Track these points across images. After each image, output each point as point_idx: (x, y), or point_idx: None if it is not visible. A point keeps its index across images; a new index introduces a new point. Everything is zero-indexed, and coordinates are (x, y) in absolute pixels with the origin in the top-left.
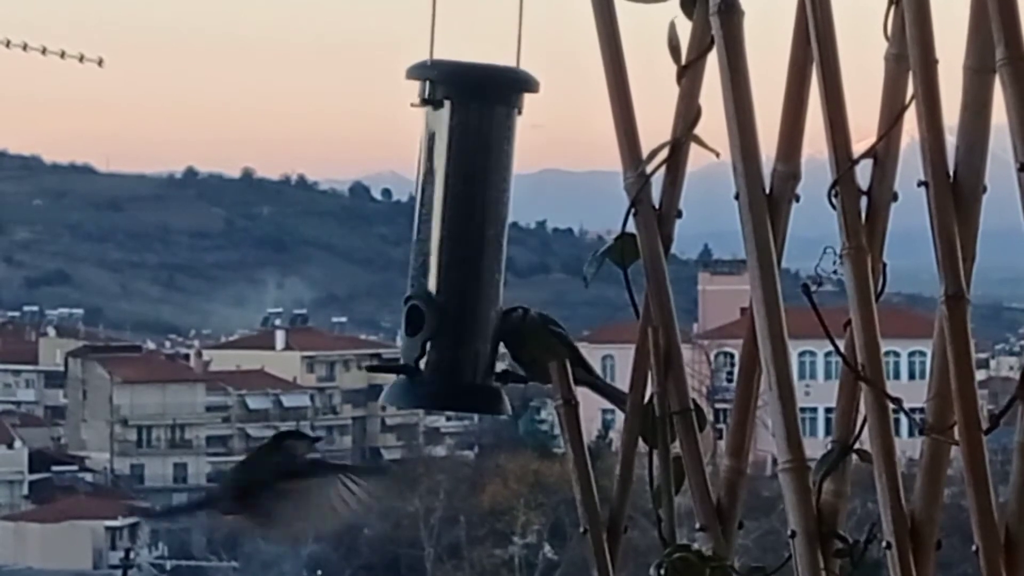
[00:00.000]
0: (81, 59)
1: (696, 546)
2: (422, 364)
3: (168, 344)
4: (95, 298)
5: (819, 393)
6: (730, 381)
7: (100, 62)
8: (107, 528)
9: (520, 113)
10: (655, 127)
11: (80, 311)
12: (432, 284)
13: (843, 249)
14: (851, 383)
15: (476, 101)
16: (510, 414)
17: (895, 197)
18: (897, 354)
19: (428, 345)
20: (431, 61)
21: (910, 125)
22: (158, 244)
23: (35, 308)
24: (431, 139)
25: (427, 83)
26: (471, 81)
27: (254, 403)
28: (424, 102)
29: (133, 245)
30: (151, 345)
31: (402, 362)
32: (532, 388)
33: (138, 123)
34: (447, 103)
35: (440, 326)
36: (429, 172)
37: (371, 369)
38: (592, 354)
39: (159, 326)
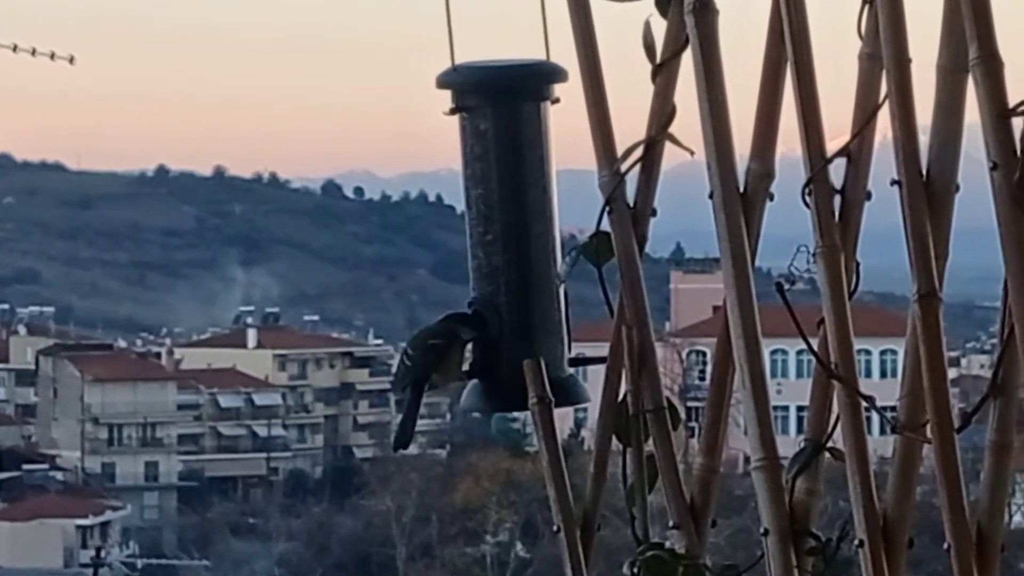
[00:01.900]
0: (52, 56)
1: (669, 544)
2: (492, 366)
3: (139, 342)
4: (66, 296)
5: (791, 391)
6: (702, 379)
7: (71, 60)
8: (78, 527)
9: (555, 102)
10: (629, 125)
11: (51, 309)
12: (490, 287)
13: (816, 247)
14: (823, 381)
15: (506, 101)
16: (590, 400)
17: (868, 196)
18: (869, 352)
19: (496, 348)
20: (455, 67)
21: (883, 124)
22: (129, 242)
23: (6, 306)
24: (468, 144)
25: (456, 90)
26: (499, 82)
27: (225, 401)
28: (455, 110)
29: (104, 243)
30: (122, 343)
31: (471, 368)
32: None
33: (109, 121)
34: (478, 108)
35: (503, 327)
36: (470, 177)
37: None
38: None
39: (130, 324)
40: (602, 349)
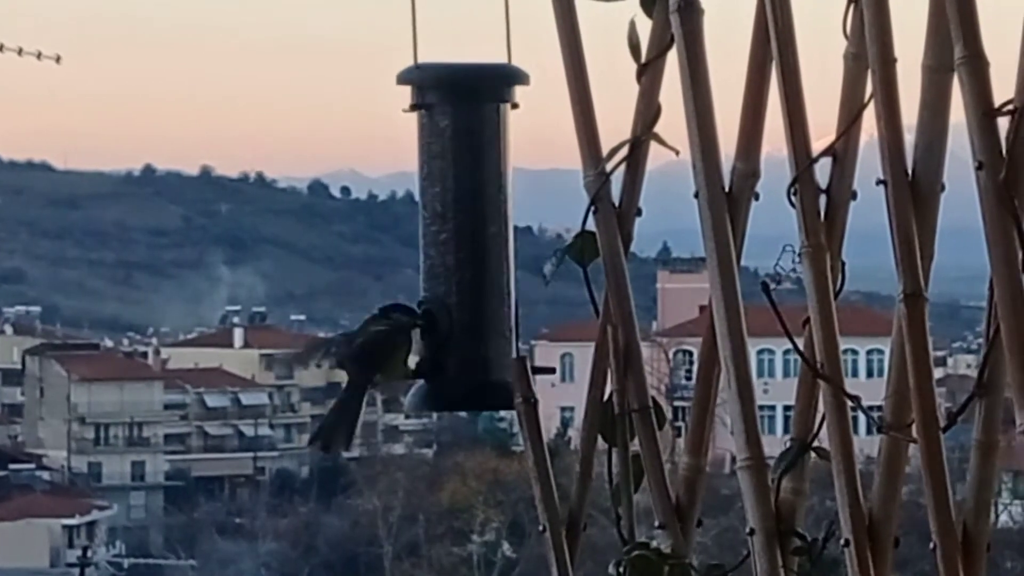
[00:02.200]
0: (39, 56)
1: (655, 544)
2: (438, 366)
3: (126, 342)
4: (52, 296)
5: (777, 391)
6: (688, 379)
7: (58, 59)
8: (64, 526)
9: (515, 107)
10: (615, 125)
11: (37, 309)
12: (442, 287)
13: (802, 247)
14: (809, 381)
15: (467, 101)
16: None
17: (854, 195)
18: (855, 352)
19: (443, 347)
20: (418, 65)
21: (869, 123)
22: (116, 242)
23: None
24: (426, 142)
25: (417, 88)
26: (460, 82)
27: (212, 401)
28: (415, 107)
29: (91, 243)
30: (109, 343)
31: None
32: None
33: (96, 121)
34: (438, 106)
35: (453, 327)
36: (427, 176)
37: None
38: (551, 352)
39: (117, 324)
40: (588, 349)
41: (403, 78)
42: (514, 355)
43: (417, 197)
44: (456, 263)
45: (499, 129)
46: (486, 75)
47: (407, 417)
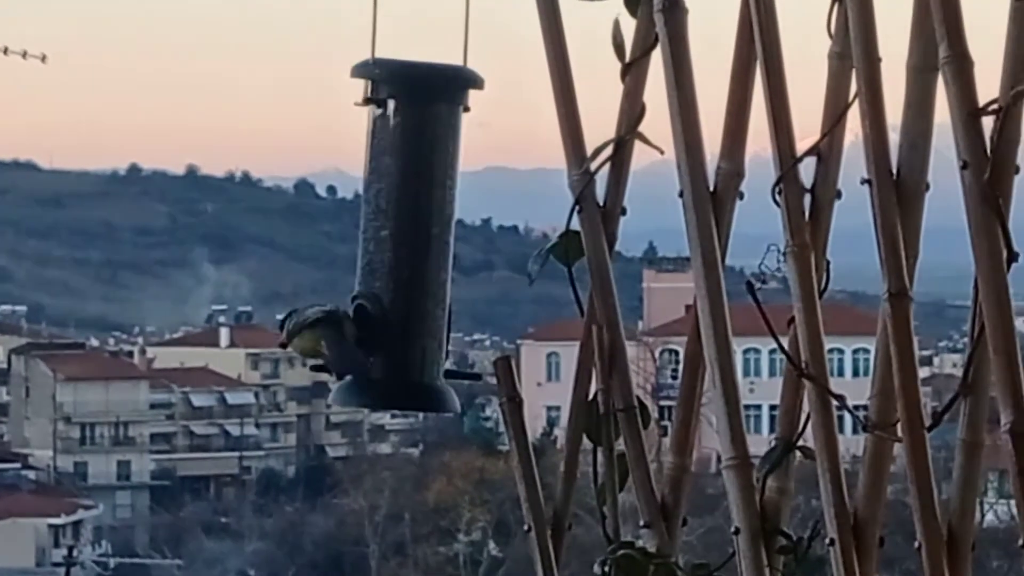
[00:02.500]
0: (24, 55)
1: (640, 543)
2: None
3: (112, 341)
4: (38, 295)
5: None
6: (675, 378)
7: (43, 58)
8: (50, 526)
9: (467, 110)
10: (599, 125)
11: (23, 308)
12: (377, 283)
13: (787, 246)
14: (795, 380)
15: (419, 99)
16: (458, 411)
17: (839, 195)
18: (841, 351)
19: (373, 344)
20: (374, 60)
21: (853, 123)
22: (101, 241)
23: None
24: (375, 138)
25: (371, 82)
26: (414, 80)
27: (198, 400)
28: (368, 101)
29: (76, 242)
30: (94, 342)
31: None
32: (478, 386)
33: (82, 120)
34: (391, 102)
35: (385, 325)
36: (374, 171)
37: (315, 368)
38: (537, 351)
39: (103, 323)
40: (573, 348)
41: (357, 72)
42: (444, 358)
43: (362, 190)
44: (394, 261)
45: (450, 131)
46: (439, 75)
47: (393, 417)
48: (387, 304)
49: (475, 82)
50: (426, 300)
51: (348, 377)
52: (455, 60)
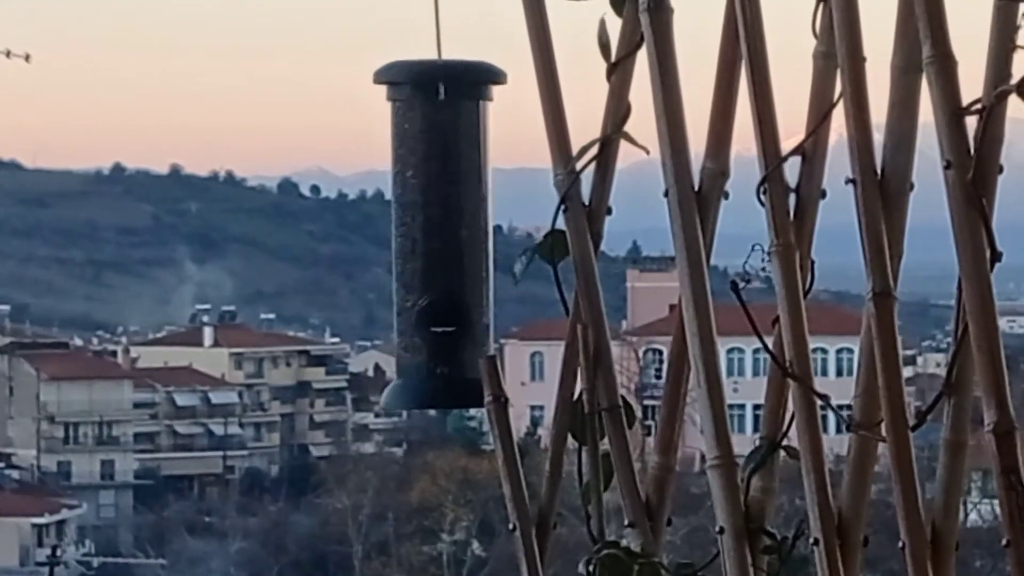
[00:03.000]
0: (8, 54)
1: (625, 543)
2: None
3: (95, 341)
4: (22, 294)
5: (747, 390)
6: (659, 378)
7: (27, 58)
8: (34, 525)
9: (490, 102)
10: (585, 124)
11: (6, 308)
12: (418, 284)
13: (771, 246)
14: (779, 380)
15: (442, 98)
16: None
17: (823, 194)
18: (825, 351)
19: (423, 345)
20: (395, 61)
21: (838, 122)
22: (85, 240)
23: None
24: (400, 139)
25: (394, 83)
26: (436, 78)
27: (182, 400)
28: (392, 102)
29: (60, 241)
30: (78, 342)
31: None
32: None
33: (65, 119)
34: (414, 102)
35: (431, 326)
36: (400, 172)
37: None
38: (521, 351)
39: (86, 323)
40: (558, 347)
41: (379, 76)
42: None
43: (389, 194)
44: (431, 261)
45: (475, 126)
46: (463, 72)
47: (377, 416)
48: (429, 305)
49: (497, 76)
50: (465, 297)
51: (398, 380)
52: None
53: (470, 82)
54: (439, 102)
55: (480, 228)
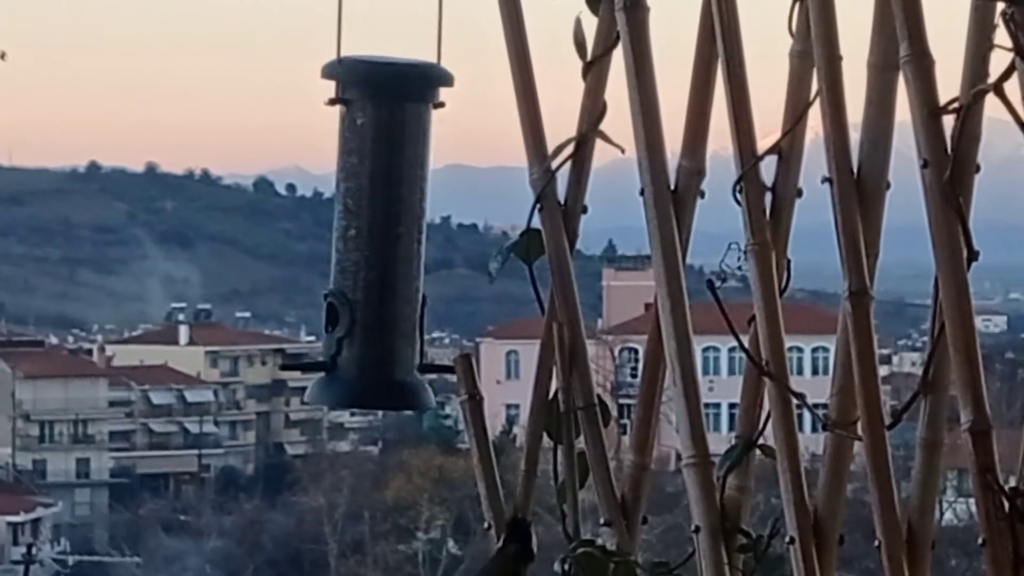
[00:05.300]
0: None
1: (600, 541)
2: (339, 361)
3: (71, 339)
4: None
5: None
6: (634, 376)
7: (3, 55)
8: (9, 524)
9: (439, 106)
10: (561, 123)
11: None
12: (348, 281)
13: (748, 245)
14: (755, 379)
15: (388, 99)
16: (433, 407)
17: (799, 193)
18: (801, 350)
19: (344, 342)
20: (342, 59)
21: (815, 121)
22: (60, 238)
23: None
24: (345, 137)
25: (339, 82)
26: (383, 79)
27: (157, 398)
28: (336, 101)
29: (35, 239)
30: (54, 340)
31: (321, 359)
32: (437, 383)
33: (40, 117)
34: (359, 101)
35: (354, 323)
36: (343, 169)
37: (284, 367)
38: (497, 349)
39: (62, 321)
40: (533, 346)
41: (325, 72)
42: (418, 356)
43: (333, 190)
44: (363, 260)
45: (419, 129)
46: (408, 74)
47: (352, 415)
48: (358, 303)
49: (444, 79)
50: (396, 298)
51: (322, 375)
52: (418, 56)
53: (418, 84)
54: (383, 102)
55: (402, 233)
